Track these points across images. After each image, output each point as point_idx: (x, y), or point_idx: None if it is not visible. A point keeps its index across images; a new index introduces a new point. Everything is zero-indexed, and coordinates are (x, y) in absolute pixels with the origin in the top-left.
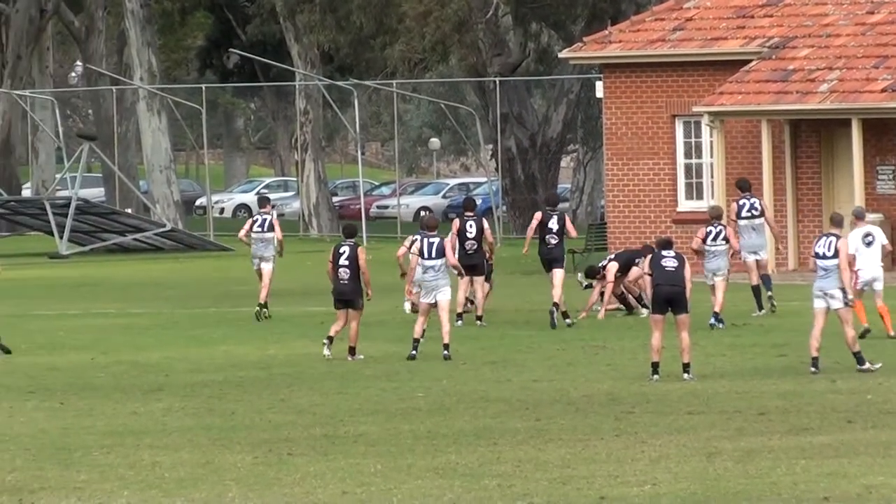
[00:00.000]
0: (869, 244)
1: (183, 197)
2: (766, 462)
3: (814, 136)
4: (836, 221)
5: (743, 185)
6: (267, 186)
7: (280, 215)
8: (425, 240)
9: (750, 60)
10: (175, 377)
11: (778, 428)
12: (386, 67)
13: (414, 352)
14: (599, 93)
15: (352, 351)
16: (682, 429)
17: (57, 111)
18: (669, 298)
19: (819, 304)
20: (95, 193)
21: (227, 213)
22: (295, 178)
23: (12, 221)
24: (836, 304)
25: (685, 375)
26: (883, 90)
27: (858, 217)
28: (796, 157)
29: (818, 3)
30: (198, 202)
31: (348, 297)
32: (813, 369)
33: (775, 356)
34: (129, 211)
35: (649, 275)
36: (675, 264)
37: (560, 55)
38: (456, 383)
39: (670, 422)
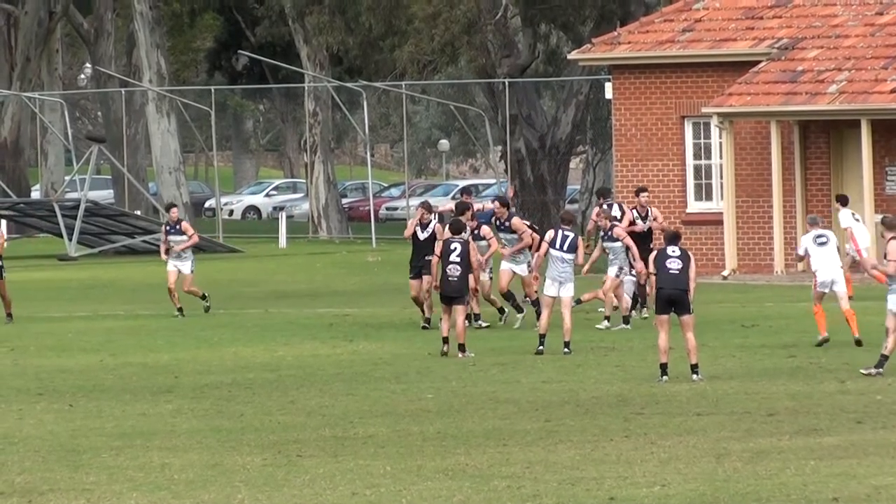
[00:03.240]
0: (822, 244)
1: (192, 199)
2: (776, 463)
3: (823, 138)
4: None
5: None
6: (276, 188)
7: (289, 217)
8: (560, 231)
9: (759, 61)
10: (184, 379)
11: (787, 429)
12: (395, 69)
13: (541, 347)
14: (609, 94)
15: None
16: (691, 430)
17: (66, 113)
18: (672, 300)
19: None
20: (104, 195)
21: (237, 215)
22: (304, 180)
23: (22, 223)
24: None
25: (694, 376)
26: (892, 91)
27: (812, 224)
28: (805, 158)
29: (827, 4)
30: (207, 204)
31: (456, 293)
32: None
33: (784, 357)
34: (138, 213)
35: (653, 275)
36: (679, 266)
37: (569, 56)
38: (465, 385)
39: (679, 423)
